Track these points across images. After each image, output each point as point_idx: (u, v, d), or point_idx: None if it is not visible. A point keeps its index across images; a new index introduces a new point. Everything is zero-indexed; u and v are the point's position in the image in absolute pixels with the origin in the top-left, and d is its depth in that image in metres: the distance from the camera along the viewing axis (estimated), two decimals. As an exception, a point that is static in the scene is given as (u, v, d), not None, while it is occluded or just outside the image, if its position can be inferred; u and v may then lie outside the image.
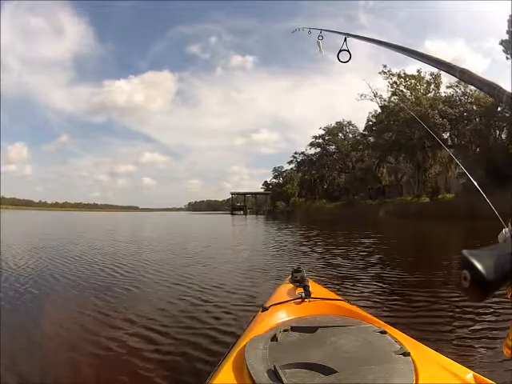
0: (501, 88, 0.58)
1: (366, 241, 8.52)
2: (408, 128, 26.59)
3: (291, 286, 1.47)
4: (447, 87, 27.85)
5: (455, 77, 0.72)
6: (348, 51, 1.33)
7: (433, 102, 26.49)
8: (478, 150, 25.83)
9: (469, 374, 0.79)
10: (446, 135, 27.65)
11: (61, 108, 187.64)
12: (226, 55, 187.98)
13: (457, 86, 26.86)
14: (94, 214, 66.21)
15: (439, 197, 23.65)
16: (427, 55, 0.88)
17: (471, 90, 26.05)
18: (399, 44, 1.00)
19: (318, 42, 1.66)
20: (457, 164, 28.03)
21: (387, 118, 29.52)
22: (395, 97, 29.94)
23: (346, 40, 1.31)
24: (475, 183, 1.01)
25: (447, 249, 7.38)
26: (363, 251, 6.70)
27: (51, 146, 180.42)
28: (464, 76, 0.69)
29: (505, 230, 0.53)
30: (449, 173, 27.82)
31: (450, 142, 27.72)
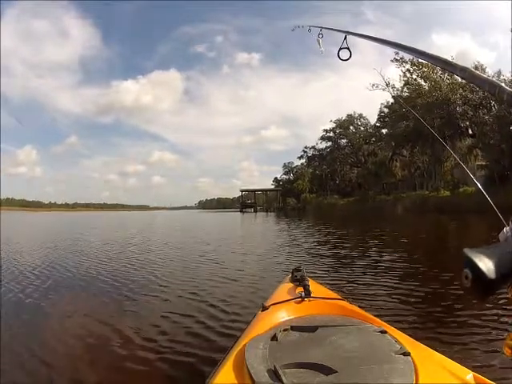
0: (502, 86, 0.58)
1: (381, 241, 7.99)
2: (428, 114, 24.71)
3: (291, 285, 1.46)
4: None
5: (456, 75, 0.72)
6: (348, 49, 1.32)
7: (452, 87, 25.27)
8: (499, 138, 23.79)
9: (469, 374, 0.79)
10: (464, 123, 26.36)
11: (68, 110, 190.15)
12: (232, 53, 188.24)
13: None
14: (103, 213, 64.64)
15: (460, 190, 22.38)
16: (427, 53, 0.88)
17: (489, 76, 24.89)
18: (398, 42, 0.99)
19: (318, 40, 1.65)
20: (476, 155, 26.69)
21: (402, 107, 27.73)
22: (408, 86, 28.57)
23: (346, 38, 1.30)
24: (477, 183, 1.00)
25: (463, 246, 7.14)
26: (375, 251, 6.40)
27: (60, 147, 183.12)
28: (465, 74, 0.69)
29: (506, 229, 0.52)
30: (468, 164, 26.39)
31: (470, 132, 26.50)
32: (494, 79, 0.63)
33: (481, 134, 25.27)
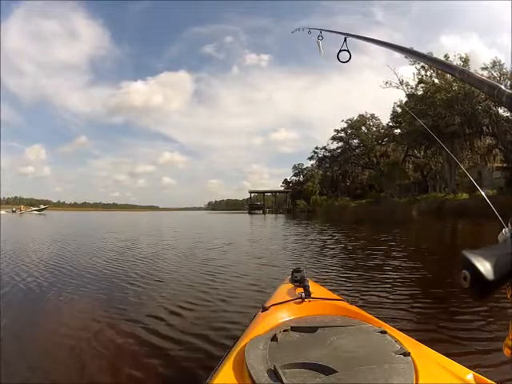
0: (501, 88, 0.58)
1: (391, 246, 7.57)
2: (448, 111, 24.03)
3: (291, 285, 1.47)
4: (482, 69, 25.24)
5: (455, 77, 0.73)
6: (348, 51, 1.33)
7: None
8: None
9: (469, 374, 0.79)
10: (485, 121, 25.46)
11: (78, 110, 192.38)
12: (242, 54, 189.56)
13: (492, 67, 25.05)
14: (110, 213, 63.96)
15: (478, 192, 21.50)
16: (427, 55, 0.89)
17: (508, 72, 24.45)
18: (397, 44, 1.00)
19: (318, 42, 1.65)
20: (496, 155, 26.12)
21: (421, 102, 26.97)
22: (423, 84, 27.92)
23: (345, 40, 1.31)
24: (473, 181, 1.01)
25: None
26: (383, 255, 6.19)
27: (69, 147, 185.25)
28: (464, 76, 0.69)
29: (505, 230, 0.52)
30: (487, 165, 25.98)
31: (490, 130, 25.81)
32: (493, 81, 0.63)
33: (500, 133, 24.60)
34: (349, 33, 1.29)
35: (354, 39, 1.30)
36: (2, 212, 46.77)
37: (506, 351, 0.55)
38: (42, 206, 62.74)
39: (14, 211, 52.98)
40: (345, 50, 1.32)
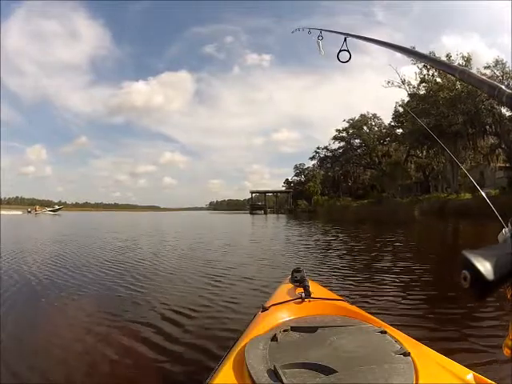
0: (501, 88, 0.58)
1: (394, 246, 7.54)
2: (451, 109, 23.80)
3: (291, 285, 1.46)
4: (485, 68, 25.10)
5: (455, 77, 0.72)
6: (348, 51, 1.33)
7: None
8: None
9: (469, 374, 0.79)
10: (488, 120, 25.23)
11: (79, 110, 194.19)
12: (243, 54, 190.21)
13: (495, 66, 24.92)
14: (111, 213, 63.83)
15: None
16: (427, 55, 0.89)
17: (511, 71, 24.40)
18: (397, 44, 1.00)
19: (318, 42, 1.64)
20: (499, 155, 25.91)
21: (423, 101, 26.81)
22: (425, 83, 27.77)
23: (345, 40, 1.30)
24: (473, 181, 1.01)
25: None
26: (386, 255, 6.18)
27: (70, 147, 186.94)
28: (464, 76, 0.69)
29: (505, 230, 0.52)
30: (490, 164, 25.92)
31: (493, 129, 25.56)
32: (494, 81, 0.63)
33: (504, 132, 24.36)
34: (349, 33, 1.29)
35: (354, 39, 1.30)
36: (18, 212, 47.29)
37: (506, 351, 0.55)
38: (57, 207, 62.82)
39: (29, 212, 53.53)
40: (345, 50, 1.32)
